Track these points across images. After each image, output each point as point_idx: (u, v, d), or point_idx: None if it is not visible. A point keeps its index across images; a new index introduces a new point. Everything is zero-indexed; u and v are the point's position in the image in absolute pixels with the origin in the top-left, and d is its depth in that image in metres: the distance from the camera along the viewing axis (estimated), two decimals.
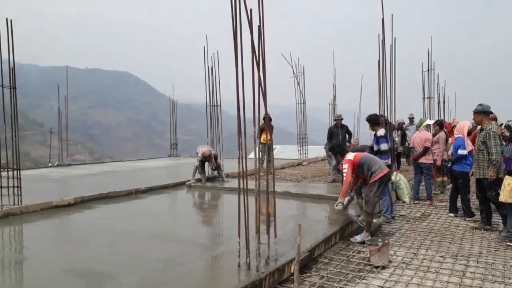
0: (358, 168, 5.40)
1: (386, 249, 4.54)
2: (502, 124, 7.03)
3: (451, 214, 7.00)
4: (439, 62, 13.96)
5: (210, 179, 10.48)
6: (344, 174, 5.42)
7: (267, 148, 11.13)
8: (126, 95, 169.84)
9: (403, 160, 13.09)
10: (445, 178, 9.15)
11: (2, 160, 6.88)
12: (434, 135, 8.72)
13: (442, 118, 13.18)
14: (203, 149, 10.12)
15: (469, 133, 7.30)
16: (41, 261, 4.65)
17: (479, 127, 6.22)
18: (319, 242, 4.77)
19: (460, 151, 6.94)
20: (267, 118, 11.03)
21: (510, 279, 4.09)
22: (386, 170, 5.42)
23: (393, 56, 8.27)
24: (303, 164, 15.03)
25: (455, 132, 7.39)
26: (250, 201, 4.14)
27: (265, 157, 10.76)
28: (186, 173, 10.61)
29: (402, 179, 8.12)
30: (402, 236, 5.73)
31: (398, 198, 8.07)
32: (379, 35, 7.54)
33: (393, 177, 7.52)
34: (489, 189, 5.72)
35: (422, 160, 8.03)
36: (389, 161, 6.24)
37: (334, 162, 9.96)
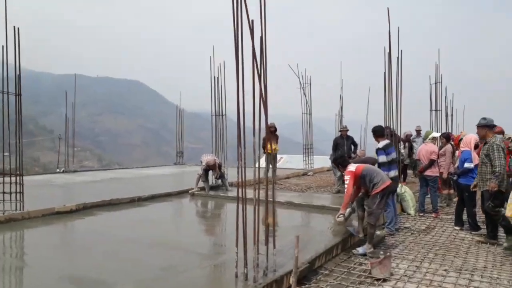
0: (360, 180, 5.36)
1: (388, 262, 4.47)
2: (510, 138, 6.93)
3: (457, 228, 6.88)
4: (447, 74, 13.89)
5: (214, 187, 10.45)
6: (346, 186, 5.37)
7: (272, 158, 11.12)
8: (136, 103, 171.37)
9: (409, 172, 12.97)
10: (452, 191, 9.03)
11: (7, 166, 6.93)
12: (441, 148, 8.63)
13: (449, 131, 13.06)
14: (208, 157, 10.11)
15: (476, 146, 7.21)
16: (40, 267, 4.63)
17: None
18: (319, 254, 4.70)
19: (466, 165, 6.86)
20: (271, 128, 10.98)
21: None
22: (388, 182, 5.38)
23: (399, 69, 8.25)
24: (309, 174, 14.95)
25: (461, 145, 7.31)
26: (251, 211, 4.10)
27: (270, 166, 10.73)
28: (190, 181, 10.59)
29: (407, 191, 8.03)
30: (405, 248, 5.64)
31: (403, 210, 7.96)
32: (384, 47, 7.55)
33: (398, 189, 7.43)
34: (487, 200, 5.67)
35: (428, 172, 7.95)
36: (391, 173, 6.16)
37: (339, 173, 9.87)
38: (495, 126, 6.05)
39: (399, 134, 8.69)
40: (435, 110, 12.98)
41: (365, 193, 5.49)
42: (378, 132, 6.67)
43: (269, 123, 4.97)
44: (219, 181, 10.58)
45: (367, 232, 5.38)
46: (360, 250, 5.30)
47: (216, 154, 11.17)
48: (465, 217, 6.85)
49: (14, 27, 6.32)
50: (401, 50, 8.25)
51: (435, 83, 12.97)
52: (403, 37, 8.21)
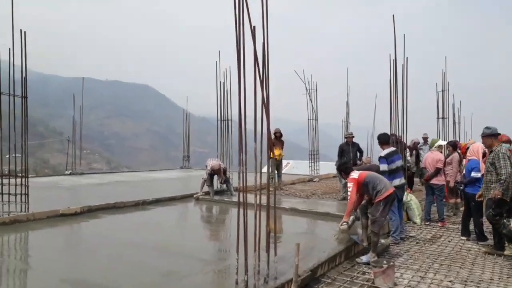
0: (363, 187, 5.32)
1: (392, 271, 4.41)
2: None
3: (463, 238, 6.78)
4: (455, 82, 13.79)
5: (218, 192, 10.43)
6: (349, 193, 5.33)
7: (277, 164, 11.09)
8: (144, 107, 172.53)
9: (416, 180, 12.85)
10: (458, 200, 8.92)
11: (17, 167, 6.97)
12: (447, 156, 8.53)
13: (457, 139, 12.94)
14: (213, 162, 10.11)
15: (484, 155, 7.13)
16: (44, 269, 4.65)
17: None
18: (322, 262, 4.66)
19: (473, 174, 6.78)
20: (276, 134, 10.96)
21: None
22: (391, 189, 5.34)
23: (405, 76, 8.21)
24: (314, 180, 14.87)
25: (468, 154, 7.23)
26: (253, 217, 4.08)
27: (275, 172, 10.70)
28: (195, 185, 10.59)
29: (413, 200, 7.94)
30: (410, 258, 5.56)
31: (409, 219, 7.87)
32: (390, 54, 7.52)
33: (404, 197, 7.35)
34: (488, 208, 5.59)
35: (434, 181, 7.86)
36: (395, 182, 6.11)
37: (344, 180, 9.82)
38: (499, 134, 5.99)
39: (405, 141, 8.62)
40: (442, 118, 12.89)
41: (369, 201, 5.44)
42: (383, 140, 6.64)
43: (274, 128, 4.97)
44: (224, 185, 10.57)
45: (371, 241, 5.33)
46: (364, 258, 5.23)
47: (222, 159, 11.18)
48: (472, 227, 6.76)
49: (21, 30, 6.41)
50: (407, 57, 8.22)
51: (442, 91, 12.89)
52: (409, 45, 8.19)
